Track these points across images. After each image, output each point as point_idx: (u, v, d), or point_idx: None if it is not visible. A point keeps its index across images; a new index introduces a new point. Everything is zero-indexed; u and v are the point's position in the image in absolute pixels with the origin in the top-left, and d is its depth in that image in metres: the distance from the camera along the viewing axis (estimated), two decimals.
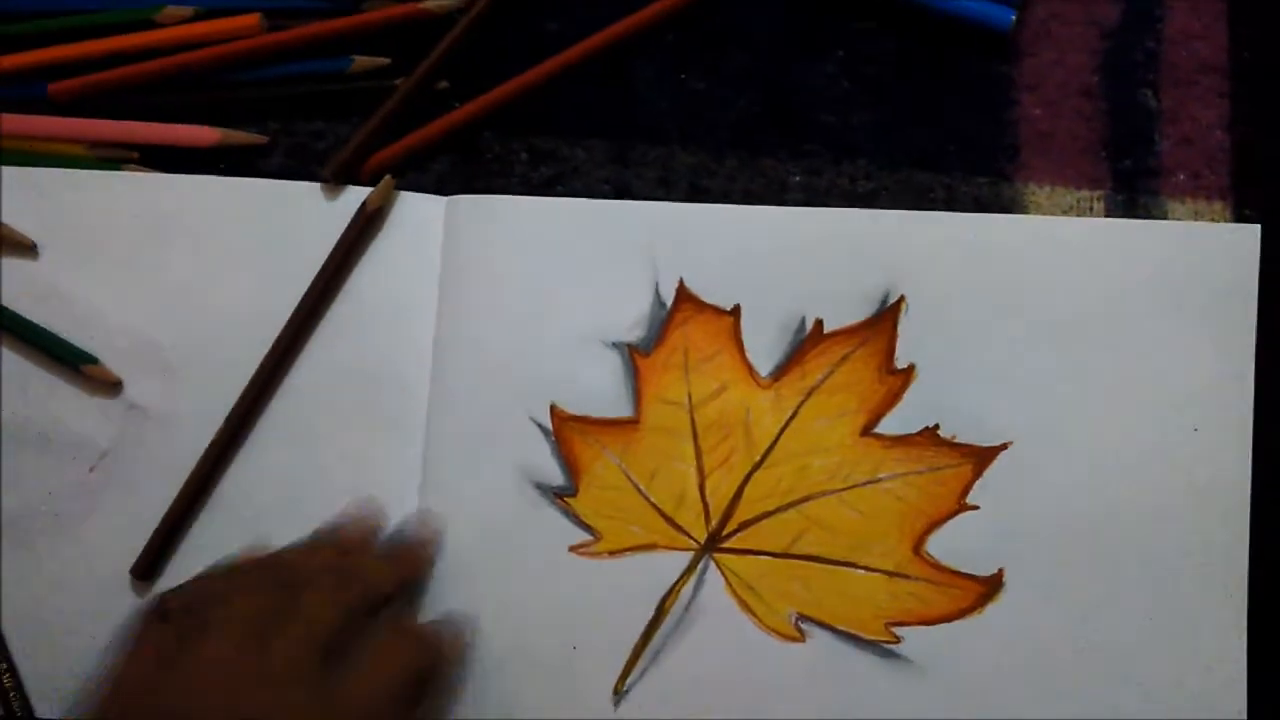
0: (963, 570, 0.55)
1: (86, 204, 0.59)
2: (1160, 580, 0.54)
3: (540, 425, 0.57)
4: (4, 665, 0.57)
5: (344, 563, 0.53)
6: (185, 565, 0.57)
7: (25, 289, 0.59)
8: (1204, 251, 0.56)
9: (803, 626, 0.55)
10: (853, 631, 0.55)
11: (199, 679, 0.48)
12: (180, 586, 0.54)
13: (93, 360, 0.58)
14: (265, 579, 0.52)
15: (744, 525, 0.56)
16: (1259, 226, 0.56)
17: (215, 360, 0.58)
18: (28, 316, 0.59)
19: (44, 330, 0.58)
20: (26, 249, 0.59)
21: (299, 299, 0.58)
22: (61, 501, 0.58)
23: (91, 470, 0.58)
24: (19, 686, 0.57)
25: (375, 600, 0.52)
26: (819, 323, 0.57)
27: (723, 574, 0.56)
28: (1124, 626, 0.54)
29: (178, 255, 0.59)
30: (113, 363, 0.58)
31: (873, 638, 0.55)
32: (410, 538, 0.56)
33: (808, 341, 0.57)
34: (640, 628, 0.55)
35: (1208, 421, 0.55)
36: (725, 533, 0.56)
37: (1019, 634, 0.54)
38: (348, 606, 0.51)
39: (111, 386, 0.58)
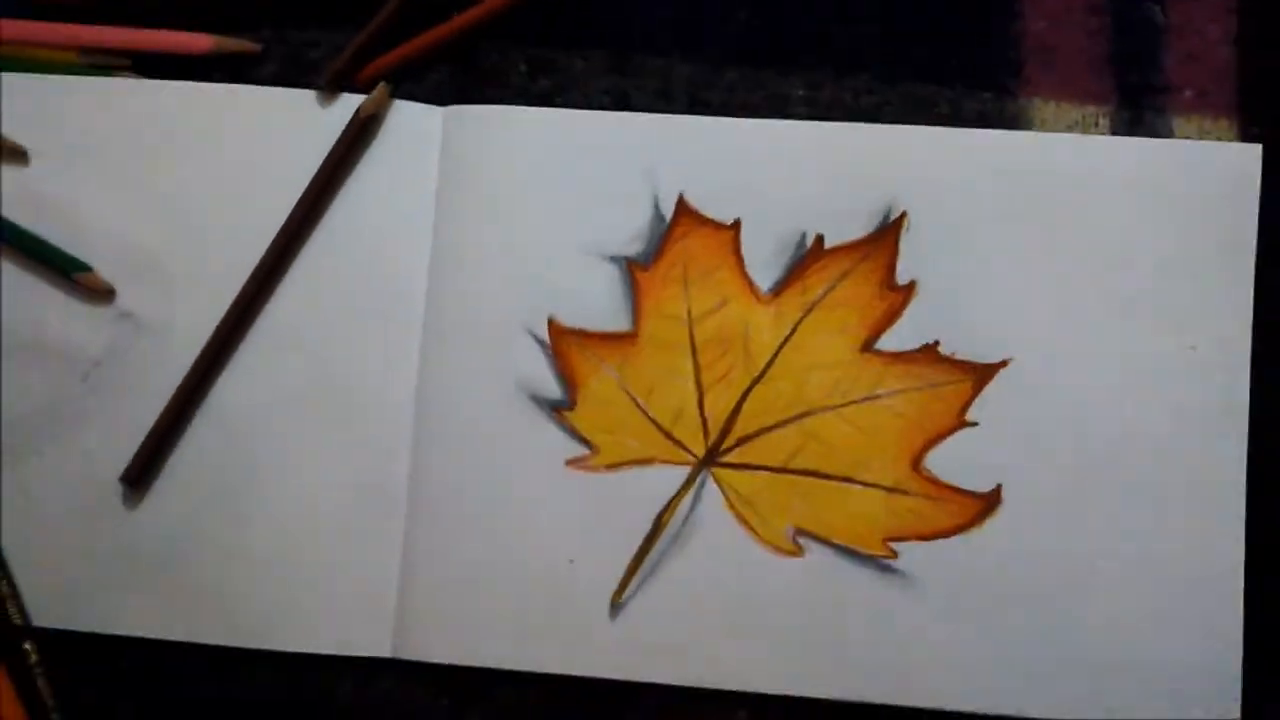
0: (961, 486, 0.55)
1: (78, 111, 0.59)
2: (1158, 498, 0.54)
3: (537, 338, 0.57)
4: (1, 574, 0.57)
5: None
6: (176, 472, 0.57)
7: (17, 196, 0.59)
8: (1205, 171, 0.56)
9: (800, 541, 0.55)
10: (850, 546, 0.55)
11: None
12: None
13: (86, 268, 0.58)
14: None
15: (742, 440, 0.56)
16: (1260, 146, 0.56)
17: (209, 269, 0.58)
18: (19, 224, 0.58)
19: (36, 238, 0.58)
20: (18, 156, 0.59)
21: (294, 207, 0.58)
22: (54, 409, 0.58)
23: (84, 379, 0.58)
24: (16, 595, 0.57)
25: None
26: (820, 238, 0.56)
27: (720, 489, 0.56)
28: (1122, 543, 0.54)
29: (171, 163, 0.59)
30: (105, 271, 0.58)
31: (870, 553, 0.55)
32: None
33: (808, 257, 0.56)
34: (637, 542, 0.55)
35: (1206, 340, 0.55)
36: (723, 448, 0.56)
37: (1017, 550, 0.54)
38: None
39: (104, 295, 0.58)
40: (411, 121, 0.58)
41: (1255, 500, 0.55)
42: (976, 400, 0.55)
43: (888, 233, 0.56)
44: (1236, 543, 0.54)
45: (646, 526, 0.55)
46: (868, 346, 0.56)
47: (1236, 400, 0.55)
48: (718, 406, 0.56)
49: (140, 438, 0.57)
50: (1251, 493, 0.54)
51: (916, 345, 0.56)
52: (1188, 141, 0.57)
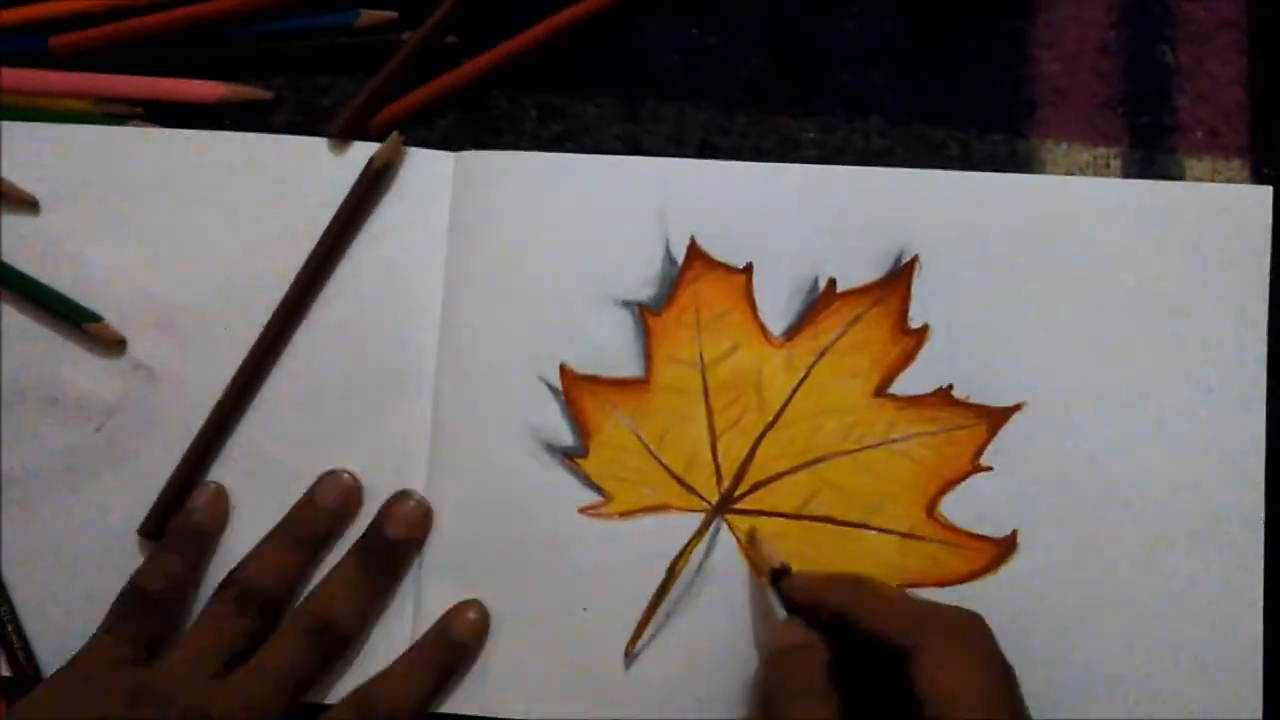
0: (976, 531, 0.55)
1: (90, 160, 0.59)
2: (1175, 540, 0.55)
3: (550, 385, 0.57)
4: (10, 625, 0.57)
5: (316, 604, 0.54)
6: None
7: (28, 246, 0.59)
8: (1217, 213, 0.56)
9: None
10: None
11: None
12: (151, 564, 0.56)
13: (96, 318, 0.58)
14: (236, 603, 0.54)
15: (756, 486, 0.56)
16: (1271, 189, 0.56)
17: (221, 318, 0.58)
18: (30, 274, 0.59)
19: (47, 288, 0.59)
20: (29, 205, 0.59)
21: (306, 256, 0.58)
22: (67, 460, 0.58)
23: (97, 429, 0.58)
24: (26, 646, 0.57)
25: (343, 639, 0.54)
26: (832, 282, 0.57)
27: (734, 535, 0.56)
28: (1139, 587, 0.54)
29: (183, 211, 0.59)
30: (117, 321, 0.58)
31: None
32: (389, 543, 0.56)
33: (821, 301, 0.57)
34: (651, 589, 0.55)
35: (1221, 382, 0.55)
36: (737, 494, 0.56)
37: (1032, 595, 0.55)
38: (313, 651, 0.53)
39: (115, 345, 0.58)
40: (423, 167, 0.59)
41: (1273, 540, 0.55)
42: (991, 444, 0.56)
43: (900, 276, 0.56)
44: (1255, 585, 0.55)
45: (660, 574, 0.56)
46: (881, 391, 0.56)
47: (1252, 440, 0.55)
48: (731, 452, 0.56)
49: (154, 487, 0.57)
50: (1269, 533, 0.55)
51: (930, 389, 0.56)
52: (1199, 184, 0.57)
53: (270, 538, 0.56)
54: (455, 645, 0.55)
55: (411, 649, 0.55)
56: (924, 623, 0.48)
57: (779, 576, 0.52)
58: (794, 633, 0.51)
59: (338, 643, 0.54)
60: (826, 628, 0.50)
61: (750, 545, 0.55)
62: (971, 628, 0.49)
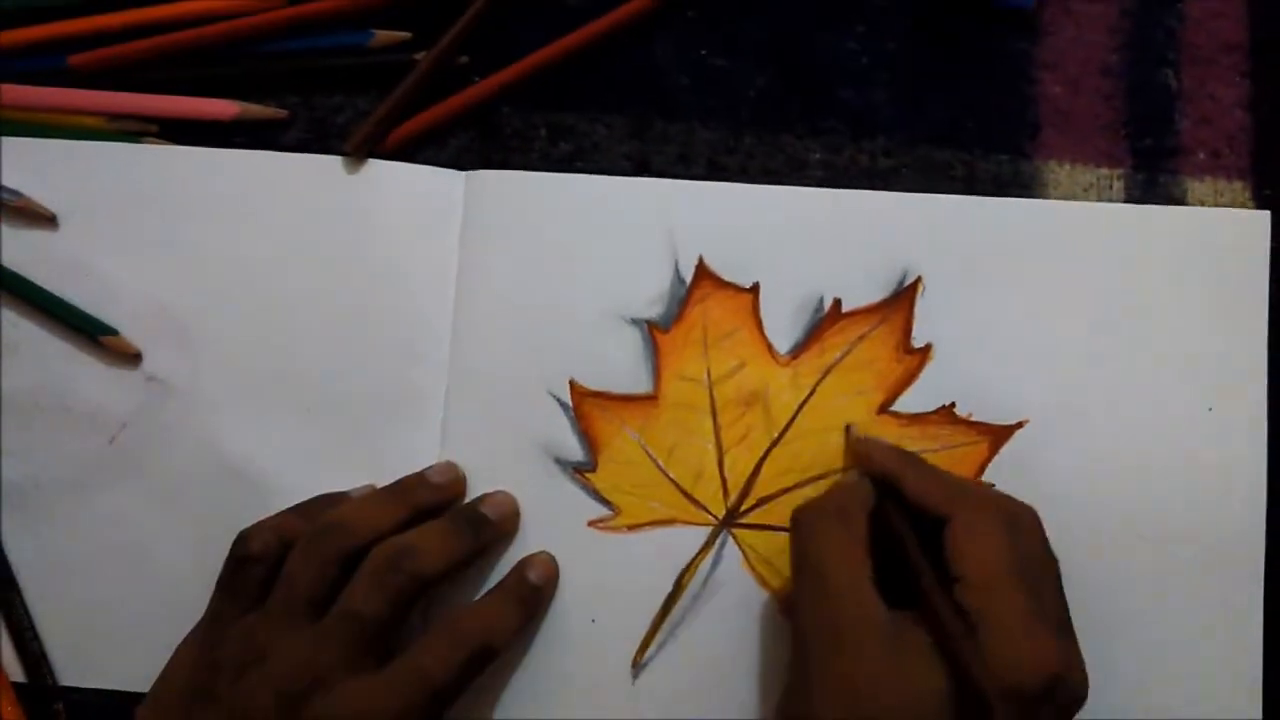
0: None
1: (106, 176, 0.61)
2: (1176, 559, 0.56)
3: (560, 401, 0.58)
4: (29, 632, 0.58)
5: (401, 544, 0.54)
6: (205, 531, 0.58)
7: (45, 260, 0.60)
8: (1217, 236, 0.58)
9: None
10: None
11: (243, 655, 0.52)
12: (256, 527, 0.55)
13: (112, 332, 0.60)
14: (328, 548, 0.54)
15: (762, 501, 0.57)
16: (1269, 213, 0.58)
17: (234, 332, 0.60)
18: (47, 288, 0.60)
19: (63, 301, 0.60)
20: (46, 220, 0.60)
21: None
22: (80, 471, 0.59)
23: (111, 441, 0.60)
24: (45, 655, 0.58)
25: (426, 581, 0.53)
26: (837, 301, 0.58)
27: (741, 549, 0.57)
28: (1140, 604, 0.56)
29: (197, 228, 0.60)
30: (132, 334, 0.60)
31: None
32: (482, 515, 0.57)
33: (826, 320, 0.58)
34: (659, 602, 0.57)
35: (1222, 402, 0.57)
36: (743, 508, 0.57)
37: None
38: (396, 593, 0.52)
39: (131, 358, 0.60)
40: (434, 186, 0.60)
41: (1274, 559, 0.56)
42: (993, 461, 0.57)
43: (903, 296, 0.58)
44: (1255, 603, 0.56)
45: (668, 586, 0.57)
46: (885, 408, 0.57)
47: (1253, 460, 0.57)
48: (738, 467, 0.58)
49: (168, 499, 0.59)
50: (1270, 552, 0.56)
51: (933, 407, 0.57)
52: (1199, 208, 0.58)
53: (374, 494, 0.57)
54: (533, 588, 0.56)
55: (494, 589, 0.57)
56: (964, 496, 0.51)
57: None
58: (849, 476, 0.55)
59: (413, 580, 0.53)
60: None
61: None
62: (1013, 512, 0.51)
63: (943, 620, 0.47)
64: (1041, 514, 0.55)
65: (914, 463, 0.54)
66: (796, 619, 0.50)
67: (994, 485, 0.57)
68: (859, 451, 0.56)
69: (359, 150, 0.60)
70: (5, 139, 0.61)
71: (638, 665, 0.57)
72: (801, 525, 0.52)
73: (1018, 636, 0.47)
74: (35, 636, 0.59)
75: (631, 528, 0.58)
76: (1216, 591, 0.56)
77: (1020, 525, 0.51)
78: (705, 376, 0.58)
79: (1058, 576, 0.51)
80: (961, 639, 0.46)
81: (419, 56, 0.61)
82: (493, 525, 0.57)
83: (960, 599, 0.48)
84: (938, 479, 0.53)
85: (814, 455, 0.57)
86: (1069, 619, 0.50)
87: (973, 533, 0.49)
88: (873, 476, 0.54)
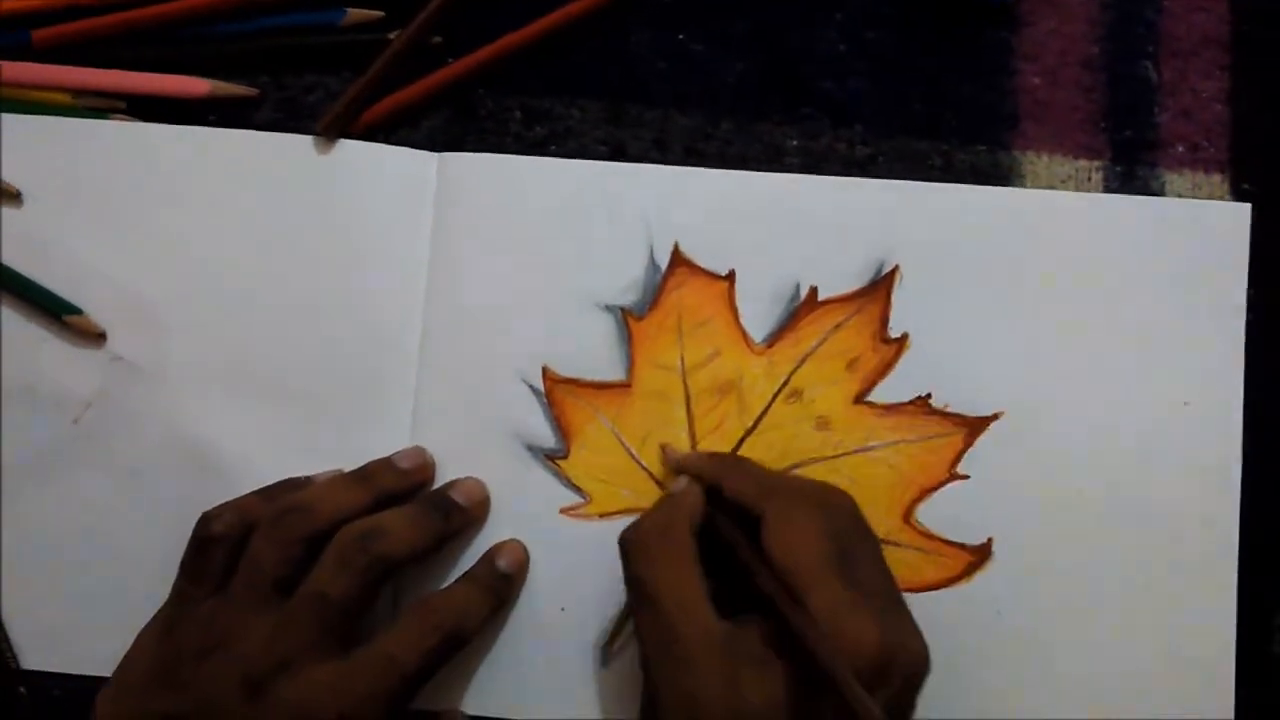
0: (952, 539, 0.57)
1: (73, 153, 0.61)
2: (1150, 552, 0.57)
3: (532, 387, 0.59)
4: None
5: (368, 525, 0.54)
6: (168, 516, 0.58)
7: (9, 238, 0.60)
8: (1196, 228, 0.59)
9: None
10: None
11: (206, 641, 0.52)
12: (220, 508, 0.56)
13: (76, 311, 0.60)
14: (292, 530, 0.54)
15: None
16: (1249, 205, 0.59)
17: (201, 313, 0.60)
18: (11, 265, 0.60)
19: (27, 280, 0.60)
20: (10, 197, 0.61)
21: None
22: (44, 453, 0.60)
23: (75, 422, 0.60)
24: (6, 638, 0.59)
25: (393, 563, 0.54)
26: (813, 290, 0.59)
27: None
28: (1113, 597, 0.57)
29: (165, 207, 0.61)
30: (97, 314, 0.60)
31: None
32: (451, 501, 0.57)
33: (802, 308, 0.59)
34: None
35: (1198, 396, 0.58)
36: None
37: (1007, 603, 0.57)
38: (362, 574, 0.53)
39: (95, 338, 0.60)
40: (407, 168, 0.60)
41: (1248, 554, 0.57)
42: (968, 453, 0.58)
43: (880, 286, 0.59)
44: (1229, 597, 0.57)
45: None
46: (861, 398, 0.58)
47: (1228, 453, 0.57)
48: None
49: (131, 480, 0.59)
50: (1244, 546, 0.57)
51: (909, 398, 0.58)
52: (1178, 200, 0.59)
53: (339, 477, 0.58)
54: (502, 575, 0.57)
55: (464, 576, 0.57)
56: (775, 489, 0.52)
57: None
58: (673, 487, 0.55)
59: (380, 562, 0.53)
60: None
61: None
62: (824, 497, 0.52)
63: (777, 600, 0.48)
64: (1017, 506, 0.56)
65: (729, 464, 0.55)
66: (638, 636, 0.51)
67: (969, 477, 0.57)
68: (678, 469, 0.56)
69: (330, 130, 0.60)
70: None
71: (607, 653, 0.58)
72: (628, 548, 0.52)
73: (840, 620, 0.47)
74: None
75: (603, 515, 0.58)
76: (1191, 585, 0.57)
77: (831, 508, 0.51)
78: (679, 364, 0.59)
79: (877, 552, 0.51)
80: (804, 625, 0.47)
81: (392, 36, 0.61)
82: (462, 511, 0.57)
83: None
84: (750, 476, 0.53)
85: (788, 445, 0.58)
86: (896, 593, 0.50)
87: (784, 524, 0.50)
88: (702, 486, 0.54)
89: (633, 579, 0.51)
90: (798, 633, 0.46)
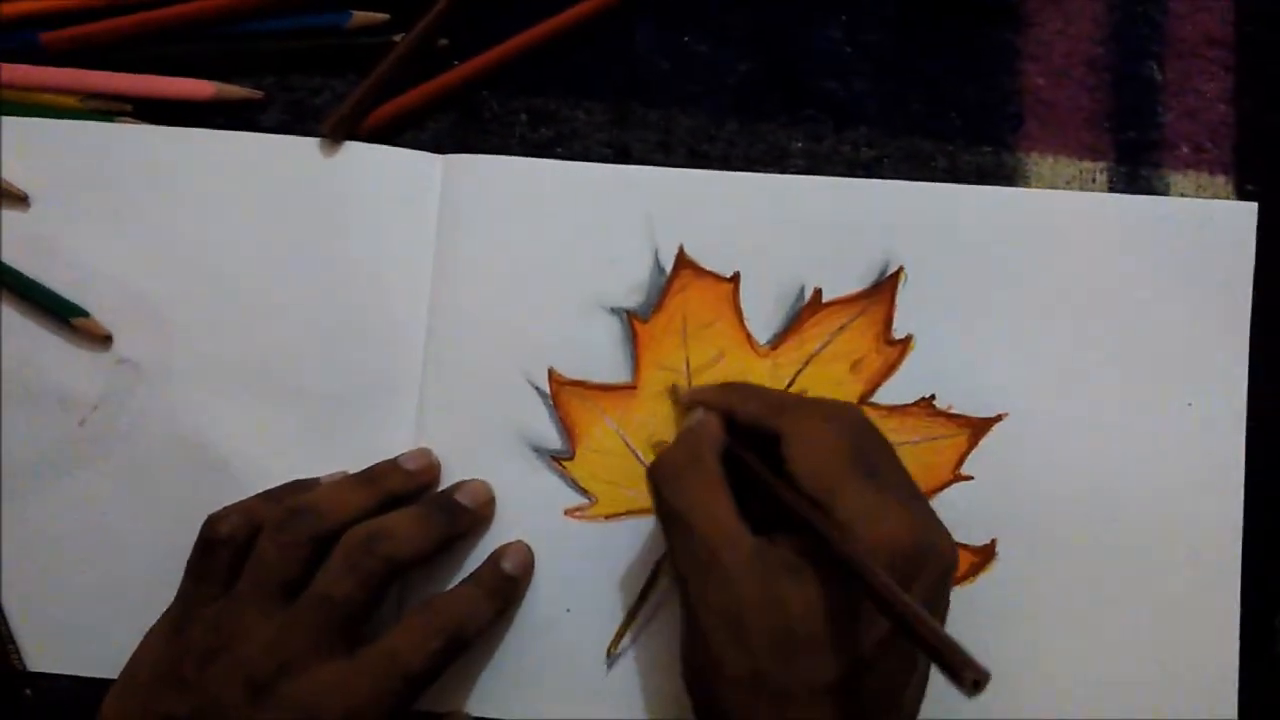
0: (956, 540, 0.57)
1: (80, 156, 0.61)
2: (1154, 553, 0.57)
3: (538, 389, 0.59)
4: None
5: (374, 527, 0.54)
6: (175, 517, 0.59)
7: (16, 240, 0.61)
8: (1201, 228, 0.59)
9: None
10: None
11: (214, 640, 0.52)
12: (226, 510, 0.56)
13: (83, 313, 0.60)
14: (298, 531, 0.54)
15: None
16: (1255, 205, 0.59)
17: (207, 315, 0.60)
18: (17, 268, 0.60)
19: (34, 282, 0.60)
20: (18, 200, 0.61)
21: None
22: (50, 455, 0.60)
23: (81, 424, 0.60)
24: (13, 639, 0.59)
25: (398, 565, 0.54)
26: (818, 291, 0.59)
27: None
28: (1117, 598, 0.57)
29: (171, 209, 0.61)
30: (103, 316, 0.60)
31: None
32: (456, 502, 0.58)
33: (806, 310, 0.59)
34: (635, 592, 0.58)
35: (1202, 397, 0.58)
36: None
37: (1011, 604, 0.57)
38: (368, 576, 0.53)
39: (101, 340, 0.60)
40: (412, 170, 0.61)
41: (1251, 555, 0.57)
42: (972, 454, 0.58)
43: (884, 287, 0.59)
44: (1232, 598, 0.57)
45: (644, 576, 0.58)
46: (865, 399, 0.58)
47: (1232, 455, 0.58)
48: None
49: (136, 483, 0.60)
50: (1247, 548, 0.57)
51: (913, 399, 0.58)
52: (1183, 199, 0.59)
53: (345, 479, 0.58)
54: (507, 577, 0.57)
55: (468, 579, 0.57)
56: (786, 407, 0.52)
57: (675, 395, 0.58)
58: (691, 418, 0.55)
59: (386, 564, 0.54)
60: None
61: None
62: (835, 411, 0.52)
63: (802, 510, 0.48)
64: (1021, 507, 0.57)
65: (738, 391, 0.55)
66: (674, 572, 0.51)
67: (973, 478, 0.58)
68: (690, 404, 0.56)
69: (335, 132, 0.60)
70: None
71: (612, 655, 0.58)
72: (657, 479, 0.52)
73: (873, 517, 0.48)
74: (2, 621, 0.59)
75: (608, 517, 0.59)
76: (1194, 586, 0.57)
77: (844, 419, 0.52)
78: (684, 366, 0.59)
79: (893, 453, 0.52)
80: (830, 529, 0.47)
81: (398, 38, 0.61)
82: (468, 512, 0.57)
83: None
84: (760, 399, 0.54)
85: None
86: (917, 488, 0.52)
87: (802, 437, 0.50)
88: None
89: (666, 509, 0.51)
90: (826, 538, 0.47)
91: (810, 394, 0.58)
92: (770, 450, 0.51)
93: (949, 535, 0.50)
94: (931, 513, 0.50)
